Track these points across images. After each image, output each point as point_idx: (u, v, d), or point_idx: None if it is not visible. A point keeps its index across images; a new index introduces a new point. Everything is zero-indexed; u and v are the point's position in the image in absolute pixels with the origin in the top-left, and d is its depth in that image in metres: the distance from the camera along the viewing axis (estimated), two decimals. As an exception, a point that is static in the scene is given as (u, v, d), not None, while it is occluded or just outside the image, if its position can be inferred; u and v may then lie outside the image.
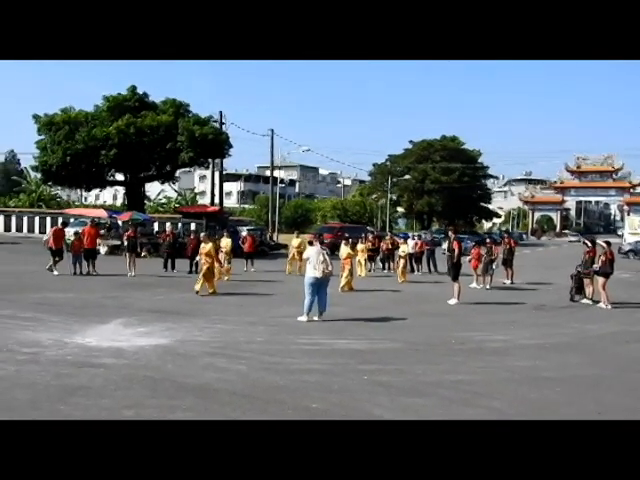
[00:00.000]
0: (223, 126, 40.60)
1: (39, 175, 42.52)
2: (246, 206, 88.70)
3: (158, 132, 35.15)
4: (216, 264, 17.28)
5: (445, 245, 31.36)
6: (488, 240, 22.61)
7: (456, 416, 6.26)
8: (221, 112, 40.89)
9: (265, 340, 10.20)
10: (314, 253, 12.46)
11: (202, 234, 17.57)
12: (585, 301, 16.76)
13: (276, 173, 53.56)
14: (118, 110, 36.28)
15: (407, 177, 73.87)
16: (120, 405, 6.29)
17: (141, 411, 6.12)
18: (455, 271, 16.25)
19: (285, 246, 43.30)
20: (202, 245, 16.73)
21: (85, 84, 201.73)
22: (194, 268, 22.33)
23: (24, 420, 5.62)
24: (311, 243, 13.25)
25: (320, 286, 12.53)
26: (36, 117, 36.73)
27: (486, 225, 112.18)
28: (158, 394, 6.75)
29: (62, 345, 9.19)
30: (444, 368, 8.49)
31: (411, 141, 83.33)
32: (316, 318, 12.52)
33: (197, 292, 16.05)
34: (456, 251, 16.38)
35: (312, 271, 12.41)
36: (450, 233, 17.78)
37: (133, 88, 38.01)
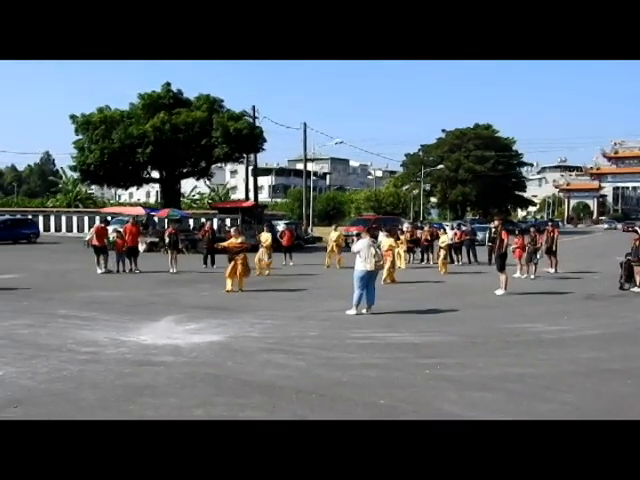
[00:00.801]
0: (256, 120, 40.72)
1: (76, 175, 43.21)
2: (278, 200, 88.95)
3: (193, 128, 35.38)
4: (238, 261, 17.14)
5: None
6: (532, 229, 22.25)
7: (530, 412, 6.12)
8: (254, 107, 41.06)
9: (318, 335, 10.15)
10: (365, 246, 12.39)
11: (232, 229, 17.50)
12: (636, 289, 16.37)
13: (308, 166, 53.50)
14: (153, 108, 36.60)
15: (440, 167, 73.32)
16: (189, 404, 6.29)
17: (211, 410, 6.11)
18: (501, 261, 16.02)
19: (320, 239, 43.41)
20: (232, 240, 16.57)
21: (119, 84, 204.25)
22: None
23: (97, 420, 5.65)
24: (360, 236, 13.16)
25: (369, 279, 12.48)
26: (73, 117, 37.23)
27: (520, 213, 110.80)
28: (223, 392, 6.74)
29: (119, 343, 9.26)
30: (505, 361, 8.33)
31: (444, 130, 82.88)
32: (365, 311, 12.46)
33: (241, 289, 16.04)
34: (505, 241, 16.14)
35: (362, 264, 12.34)
36: (496, 222, 17.52)
37: (167, 85, 38.29)
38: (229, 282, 16.09)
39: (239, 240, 16.33)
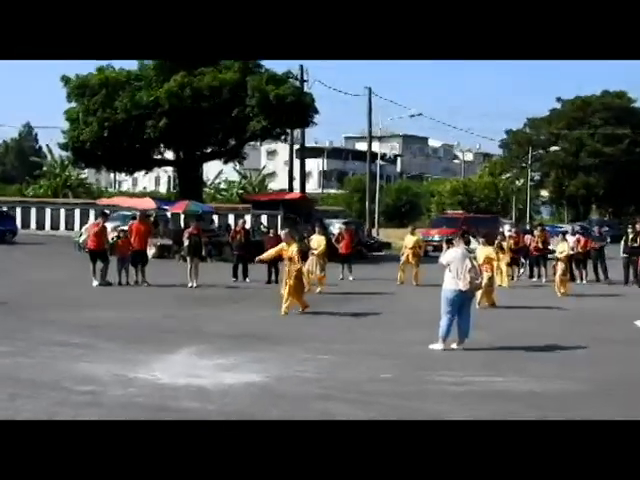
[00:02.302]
0: (304, 84, 40.86)
1: (66, 155, 44.27)
2: (331, 191, 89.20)
3: (221, 95, 35.72)
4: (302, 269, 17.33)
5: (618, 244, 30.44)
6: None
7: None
8: (302, 66, 41.22)
9: (394, 378, 10.07)
10: (457, 257, 12.31)
11: (283, 231, 17.60)
12: None
13: (373, 146, 53.46)
14: (169, 67, 37.06)
15: (554, 148, 72.32)
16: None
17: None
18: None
19: (389, 245, 43.25)
20: (283, 247, 16.66)
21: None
22: (274, 276, 22.58)
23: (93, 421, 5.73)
24: (451, 243, 13.05)
25: (463, 302, 12.37)
26: (65, 79, 38.01)
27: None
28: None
29: (126, 382, 9.34)
30: (658, 421, 8.05)
31: (560, 99, 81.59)
32: (455, 346, 12.35)
33: (285, 313, 16.10)
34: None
35: (453, 282, 12.23)
36: (638, 226, 17.13)
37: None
38: (300, 303, 16.42)
39: (292, 248, 16.36)
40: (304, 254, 21.79)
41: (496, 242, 23.37)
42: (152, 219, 34.77)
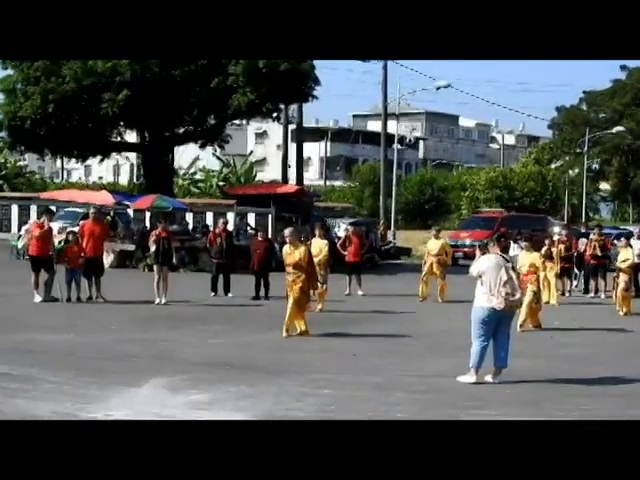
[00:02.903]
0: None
1: (1, 135, 44.22)
2: (336, 183, 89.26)
3: (197, 61, 35.75)
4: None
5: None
6: None
7: None
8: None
9: (411, 418, 10.10)
10: (491, 267, 12.32)
11: (287, 231, 17.49)
12: None
13: (391, 126, 53.43)
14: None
15: (618, 129, 72.33)
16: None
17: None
18: None
19: (409, 251, 43.29)
20: (286, 250, 16.70)
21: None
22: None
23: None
24: (484, 249, 13.08)
25: (499, 324, 12.40)
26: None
27: None
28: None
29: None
30: None
31: (624, 67, 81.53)
32: (490, 378, 12.38)
33: (287, 332, 16.20)
34: None
35: (485, 298, 12.26)
36: None
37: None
38: (301, 323, 16.55)
39: (299, 252, 16.38)
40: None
41: (544, 248, 23.35)
42: (109, 218, 34.85)
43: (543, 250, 23.13)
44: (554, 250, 24.68)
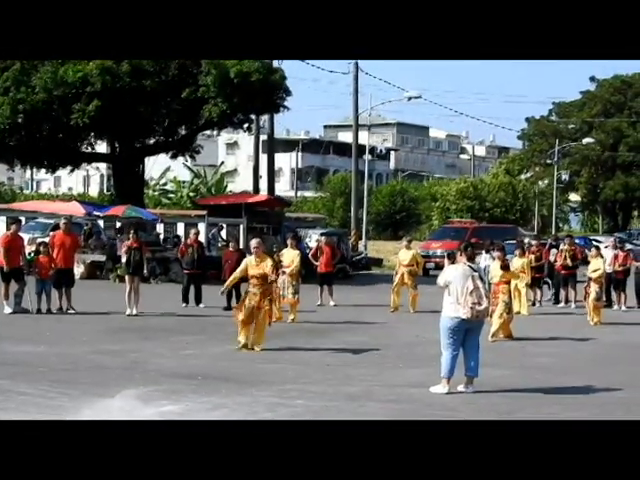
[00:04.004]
0: (274, 60, 40.94)
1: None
2: (307, 193, 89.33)
3: (168, 71, 35.71)
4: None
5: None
6: None
7: None
8: (270, 35, 41.30)
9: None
10: (458, 277, 12.36)
11: (254, 241, 17.38)
12: None
13: (362, 137, 53.56)
14: (102, 36, 37.11)
15: (587, 141, 72.84)
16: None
17: None
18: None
19: (380, 261, 43.40)
20: (251, 261, 16.51)
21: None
22: (236, 301, 22.59)
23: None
24: (452, 258, 13.14)
25: (468, 334, 12.45)
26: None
27: None
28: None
29: (49, 434, 9.37)
30: None
31: (593, 78, 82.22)
32: (462, 388, 12.45)
33: (243, 345, 16.01)
34: None
35: (454, 308, 12.31)
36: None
37: None
38: (244, 332, 16.14)
39: (266, 264, 16.26)
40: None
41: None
42: (87, 229, 34.74)
43: (516, 259, 23.23)
44: (523, 260, 24.52)
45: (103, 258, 32.28)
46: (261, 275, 16.16)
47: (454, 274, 12.52)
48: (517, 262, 22.54)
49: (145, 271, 22.96)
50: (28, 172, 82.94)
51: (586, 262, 24.28)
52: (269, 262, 16.39)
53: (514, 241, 31.69)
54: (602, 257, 23.85)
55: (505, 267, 19.40)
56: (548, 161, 76.46)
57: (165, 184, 76.64)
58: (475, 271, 12.68)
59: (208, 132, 45.56)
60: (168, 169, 71.84)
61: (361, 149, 53.33)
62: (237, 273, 16.87)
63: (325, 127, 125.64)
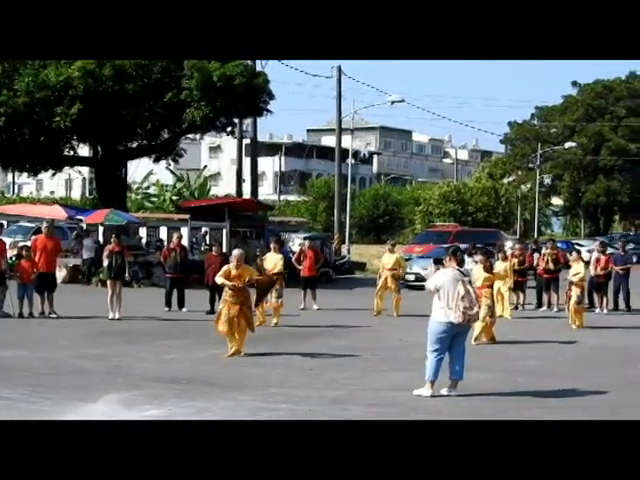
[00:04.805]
0: (257, 63, 40.92)
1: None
2: (291, 197, 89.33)
3: (150, 74, 35.65)
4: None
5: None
6: None
7: None
8: (253, 38, 41.29)
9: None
10: (448, 281, 12.37)
11: (236, 251, 17.20)
12: None
13: (345, 141, 53.61)
14: (84, 39, 36.98)
15: (569, 145, 73.05)
16: None
17: None
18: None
19: (364, 265, 43.40)
20: (230, 268, 16.33)
21: None
22: (218, 305, 22.56)
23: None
24: (440, 263, 13.14)
25: (455, 338, 12.47)
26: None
27: None
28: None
29: (31, 439, 9.33)
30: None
31: (576, 83, 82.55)
32: (446, 392, 12.47)
33: (235, 352, 16.02)
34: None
35: (443, 312, 12.32)
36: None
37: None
38: (230, 340, 16.09)
39: (245, 279, 16.17)
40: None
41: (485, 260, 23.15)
42: (77, 233, 34.56)
43: (499, 263, 23.25)
44: (505, 265, 24.54)
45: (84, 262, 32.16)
46: (236, 286, 16.06)
47: (444, 279, 12.53)
48: (499, 266, 22.48)
49: (127, 275, 22.93)
50: (10, 175, 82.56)
51: (568, 266, 24.28)
52: (246, 277, 16.22)
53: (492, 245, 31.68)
54: (583, 261, 23.93)
55: (489, 268, 19.49)
56: (530, 165, 76.63)
57: (148, 188, 76.30)
58: (465, 276, 12.72)
59: (191, 136, 45.44)
60: (151, 173, 71.62)
61: (344, 153, 53.34)
62: (221, 280, 16.49)
63: (308, 131, 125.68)
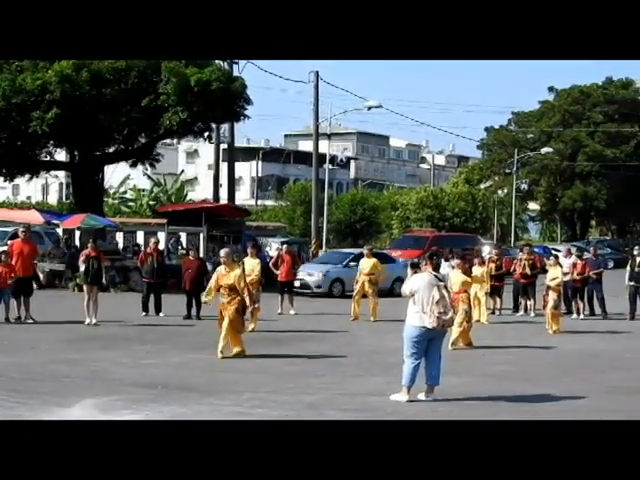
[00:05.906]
0: (234, 67, 40.95)
1: None
2: (268, 202, 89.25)
3: (127, 79, 35.58)
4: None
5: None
6: None
7: None
8: (230, 43, 41.28)
9: (346, 436, 10.15)
10: (424, 286, 12.40)
11: (223, 252, 17.41)
12: None
13: (322, 146, 53.70)
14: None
15: (546, 150, 73.33)
16: None
17: None
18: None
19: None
20: (221, 271, 16.56)
21: None
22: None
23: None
24: (417, 267, 13.17)
25: (431, 343, 12.50)
26: None
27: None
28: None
29: (7, 444, 9.29)
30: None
31: (552, 89, 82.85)
32: (422, 396, 12.49)
33: (222, 353, 16.07)
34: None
35: (418, 317, 12.35)
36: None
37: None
38: (236, 343, 16.30)
39: (235, 274, 16.28)
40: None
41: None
42: (64, 238, 34.43)
43: (475, 268, 23.32)
44: (482, 270, 24.61)
45: (61, 266, 32.05)
46: (229, 285, 16.24)
47: (420, 283, 12.55)
48: (476, 271, 22.60)
49: (104, 280, 22.88)
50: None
51: (545, 271, 24.40)
52: (237, 271, 16.47)
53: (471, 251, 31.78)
54: (560, 265, 24.03)
55: (468, 271, 19.61)
56: (507, 170, 76.91)
57: (125, 192, 76.20)
58: (441, 281, 12.76)
59: (168, 140, 45.42)
60: (128, 177, 71.57)
61: (321, 158, 53.41)
62: (211, 283, 16.85)
63: (285, 136, 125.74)
